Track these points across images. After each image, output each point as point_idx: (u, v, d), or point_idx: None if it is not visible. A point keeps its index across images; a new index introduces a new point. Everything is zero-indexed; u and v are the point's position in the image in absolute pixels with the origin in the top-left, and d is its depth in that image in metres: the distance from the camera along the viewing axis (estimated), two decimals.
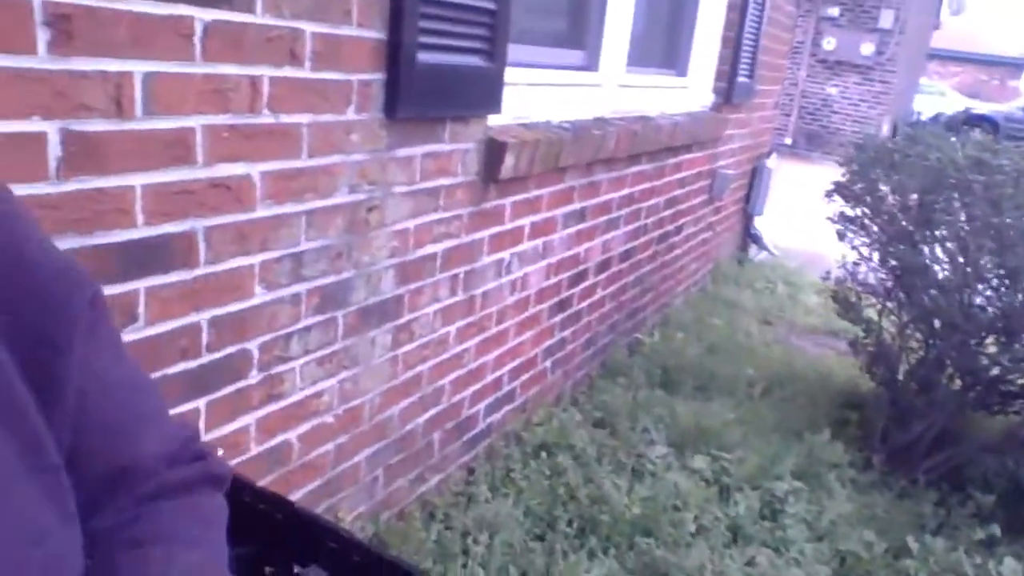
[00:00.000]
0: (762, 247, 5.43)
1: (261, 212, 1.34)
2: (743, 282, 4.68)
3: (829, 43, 12.29)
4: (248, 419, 1.43)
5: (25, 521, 0.39)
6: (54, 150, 1.01)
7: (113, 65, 1.04)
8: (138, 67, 1.08)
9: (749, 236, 5.30)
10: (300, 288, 1.48)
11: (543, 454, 2.36)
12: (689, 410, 2.75)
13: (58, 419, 0.43)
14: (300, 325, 1.50)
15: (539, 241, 2.33)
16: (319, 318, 1.55)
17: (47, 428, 0.43)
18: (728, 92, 3.75)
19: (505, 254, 2.17)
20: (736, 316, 4.02)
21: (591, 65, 2.66)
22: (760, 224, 5.33)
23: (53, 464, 0.43)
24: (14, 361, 0.42)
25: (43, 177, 1.01)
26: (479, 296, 2.10)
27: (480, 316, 2.13)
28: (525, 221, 2.22)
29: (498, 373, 2.31)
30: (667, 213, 3.38)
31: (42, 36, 0.95)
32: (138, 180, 1.12)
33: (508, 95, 1.95)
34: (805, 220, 5.05)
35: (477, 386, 2.21)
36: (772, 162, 5.12)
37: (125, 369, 0.51)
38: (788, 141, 12.35)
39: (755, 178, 4.93)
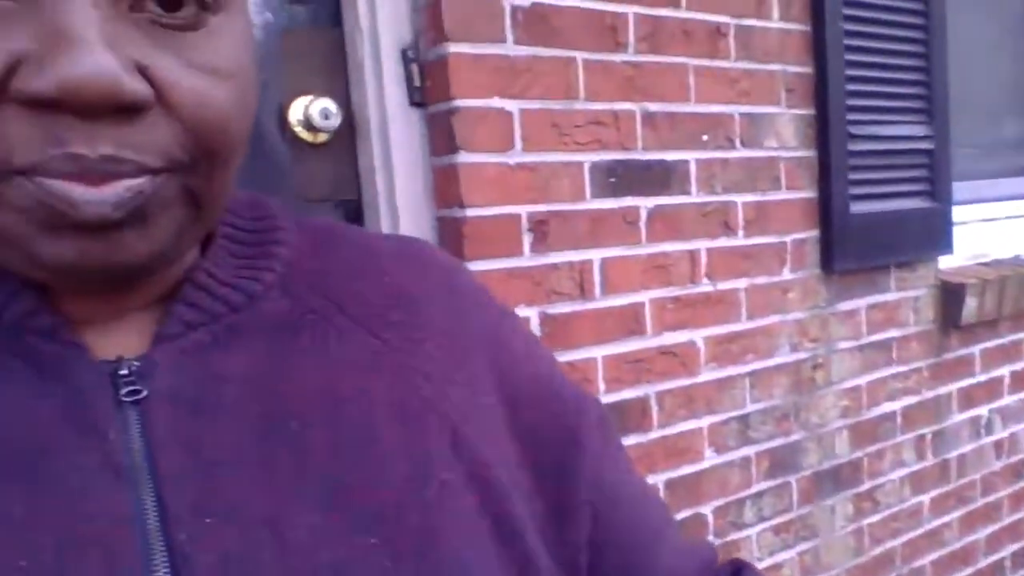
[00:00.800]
0: None
1: (706, 376, 1.39)
2: None
3: None
4: None
5: None
6: (534, 332, 1.20)
7: (577, 255, 1.23)
8: (596, 254, 1.25)
9: None
10: (749, 451, 1.46)
11: None
12: None
13: (570, 537, 0.47)
14: (752, 490, 1.47)
15: None
16: (771, 483, 1.50)
17: (558, 543, 0.46)
18: None
19: (982, 410, 1.87)
20: None
21: None
22: None
23: None
24: (527, 475, 0.46)
25: None
26: (953, 460, 1.82)
27: (959, 484, 1.83)
28: (1003, 371, 1.91)
29: (995, 557, 1.92)
30: None
31: (526, 239, 1.18)
32: (599, 352, 1.26)
33: (959, 234, 1.77)
34: None
35: (968, 571, 1.86)
36: None
37: (635, 485, 0.52)
38: None
39: None
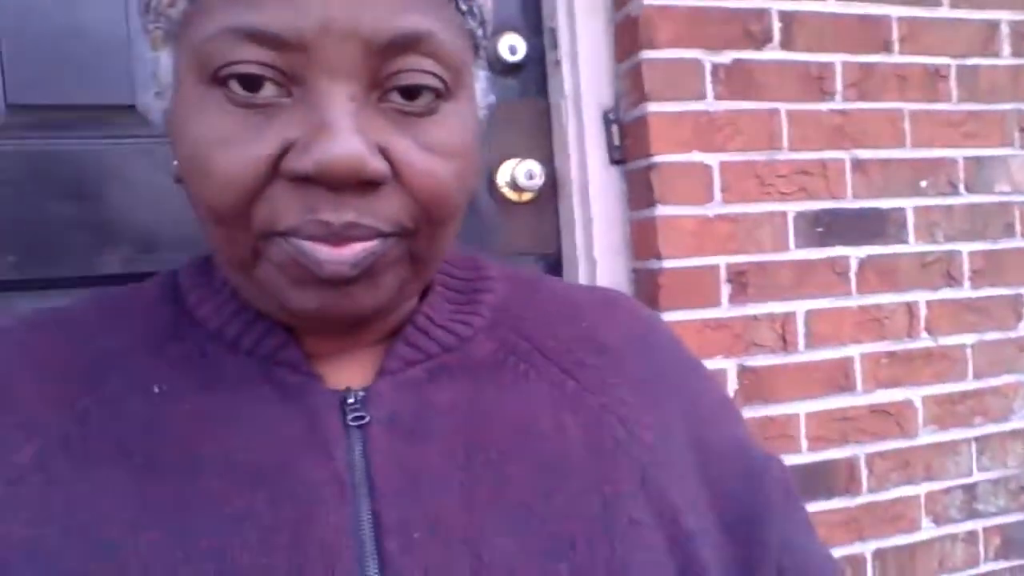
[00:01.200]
0: None
1: (924, 438, 1.29)
2: None
3: None
4: None
5: None
6: (731, 383, 1.18)
7: (779, 306, 1.20)
8: (799, 306, 1.21)
9: None
10: (975, 525, 1.33)
11: None
12: None
13: None
14: (980, 570, 1.33)
15: None
16: (1004, 564, 1.35)
17: None
18: None
19: None
20: None
21: None
22: None
23: None
24: (714, 523, 0.47)
25: None
26: None
27: None
28: None
29: None
30: None
31: (724, 291, 1.17)
32: (802, 408, 1.22)
33: None
34: None
35: None
36: None
37: (819, 552, 0.51)
38: None
39: None
